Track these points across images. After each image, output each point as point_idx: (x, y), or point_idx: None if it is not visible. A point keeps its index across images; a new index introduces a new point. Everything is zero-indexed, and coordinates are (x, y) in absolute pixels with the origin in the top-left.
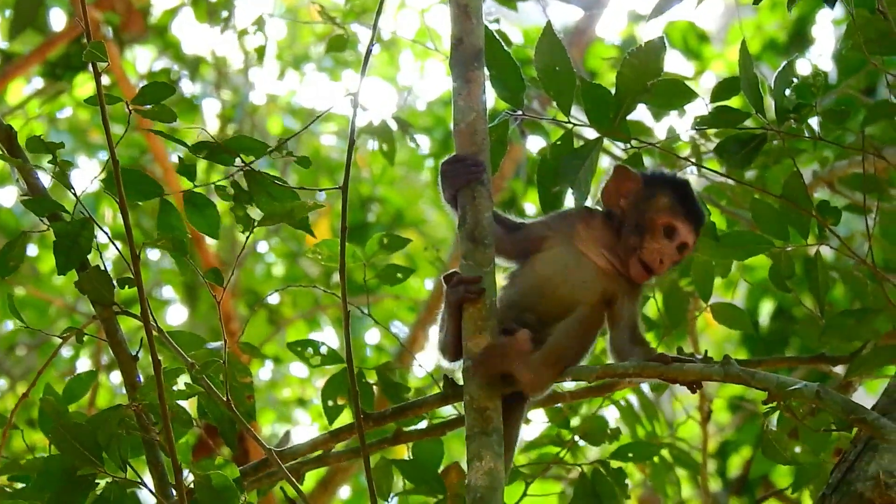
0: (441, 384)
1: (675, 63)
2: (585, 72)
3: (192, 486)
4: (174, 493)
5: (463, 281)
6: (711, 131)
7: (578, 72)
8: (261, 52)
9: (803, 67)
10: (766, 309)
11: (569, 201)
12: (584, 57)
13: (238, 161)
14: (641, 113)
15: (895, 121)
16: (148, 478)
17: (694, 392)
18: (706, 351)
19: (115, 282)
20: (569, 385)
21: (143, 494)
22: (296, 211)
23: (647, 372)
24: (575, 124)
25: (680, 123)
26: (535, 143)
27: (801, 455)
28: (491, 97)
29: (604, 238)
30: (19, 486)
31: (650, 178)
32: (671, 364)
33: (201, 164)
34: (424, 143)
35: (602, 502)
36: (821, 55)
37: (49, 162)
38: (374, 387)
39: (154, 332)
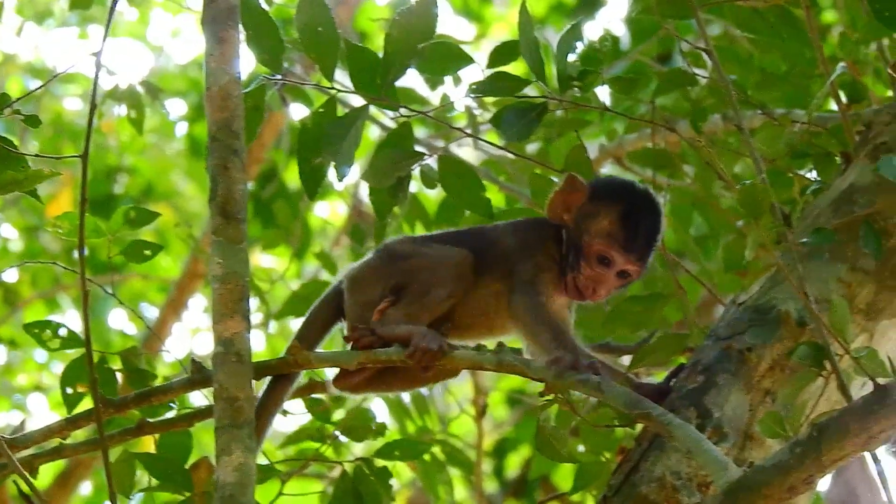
0: (189, 370)
1: (452, 25)
2: (354, 34)
3: None
4: None
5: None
6: (490, 101)
7: (345, 33)
8: None
9: (592, 32)
10: None
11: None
12: (354, 17)
13: None
14: (414, 80)
15: (689, 91)
16: None
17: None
18: None
19: None
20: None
21: None
22: (29, 179)
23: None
24: (339, 90)
25: (456, 91)
26: (298, 112)
27: (582, 454)
28: (251, 60)
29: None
30: None
31: (598, 190)
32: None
33: None
34: (177, 108)
35: (364, 503)
36: (611, 19)
37: None
38: (118, 373)
39: None
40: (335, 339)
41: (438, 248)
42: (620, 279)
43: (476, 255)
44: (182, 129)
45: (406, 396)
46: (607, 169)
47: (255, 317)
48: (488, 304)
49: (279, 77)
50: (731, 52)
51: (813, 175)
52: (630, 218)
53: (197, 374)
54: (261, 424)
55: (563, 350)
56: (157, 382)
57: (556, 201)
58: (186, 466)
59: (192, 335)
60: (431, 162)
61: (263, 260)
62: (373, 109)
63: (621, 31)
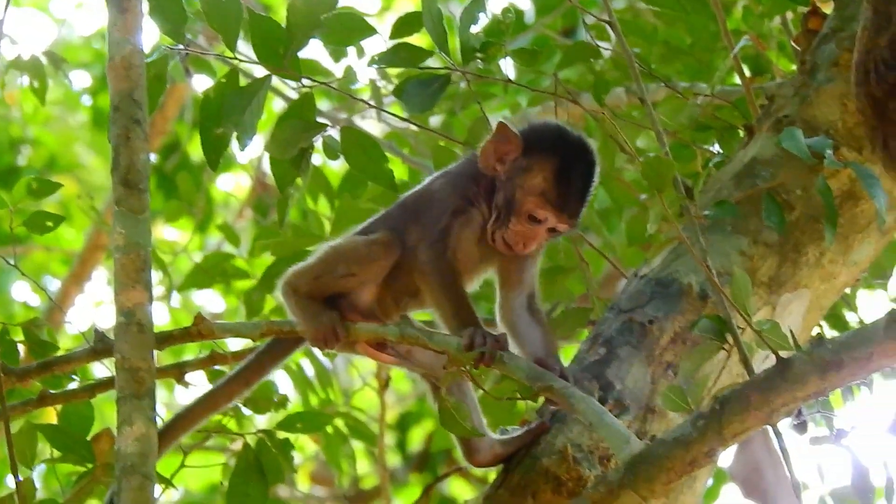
0: (92, 341)
1: None
2: (259, 5)
3: None
4: None
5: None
6: (394, 72)
7: (249, 3)
8: None
9: (497, 4)
10: None
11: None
12: None
13: None
14: (318, 51)
15: (592, 64)
16: None
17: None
18: None
19: None
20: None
21: None
22: None
23: None
24: (242, 61)
25: (360, 63)
26: (201, 83)
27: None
28: (154, 31)
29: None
30: None
31: (532, 142)
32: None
33: None
34: (81, 80)
35: (266, 476)
36: None
37: None
38: (21, 345)
39: None
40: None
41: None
42: (550, 233)
43: (410, 220)
44: (86, 101)
45: (309, 369)
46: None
47: (158, 290)
48: None
49: (182, 47)
50: (635, 25)
51: (716, 148)
52: (564, 175)
53: (99, 343)
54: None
55: (464, 324)
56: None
57: (487, 151)
58: (88, 438)
59: (95, 307)
60: (334, 133)
61: (166, 232)
62: (276, 81)
63: (526, 4)
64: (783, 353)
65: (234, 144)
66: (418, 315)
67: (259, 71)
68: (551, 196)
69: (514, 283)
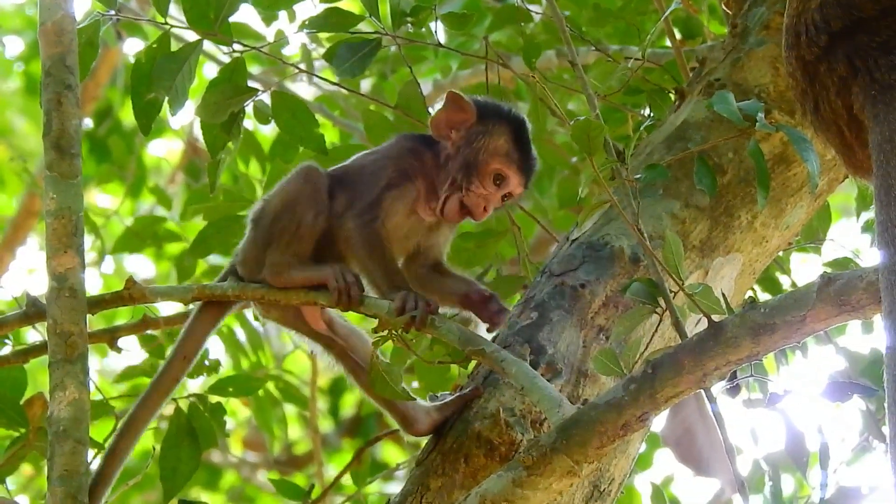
0: (25, 306)
1: None
2: None
3: None
4: None
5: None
6: (325, 37)
7: None
8: None
9: None
10: None
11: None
12: None
13: None
14: (249, 15)
15: (523, 27)
16: None
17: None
18: None
19: None
20: (166, 309)
21: None
22: None
23: (248, 293)
24: (173, 26)
25: (291, 28)
26: (134, 47)
27: (418, 392)
28: None
29: (430, 179)
30: None
31: (485, 111)
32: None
33: None
34: (14, 46)
35: (198, 440)
36: None
37: None
38: None
39: None
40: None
41: (281, 186)
42: (504, 199)
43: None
44: (18, 66)
45: (241, 333)
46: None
47: (90, 255)
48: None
49: (113, 13)
50: None
51: (647, 111)
52: (521, 138)
53: (31, 308)
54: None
55: (395, 286)
56: None
57: (440, 120)
58: (21, 402)
59: (28, 274)
60: (265, 98)
61: (99, 197)
62: (208, 46)
63: None
64: (715, 317)
65: (166, 109)
66: None
67: (191, 36)
68: (514, 157)
69: (425, 254)
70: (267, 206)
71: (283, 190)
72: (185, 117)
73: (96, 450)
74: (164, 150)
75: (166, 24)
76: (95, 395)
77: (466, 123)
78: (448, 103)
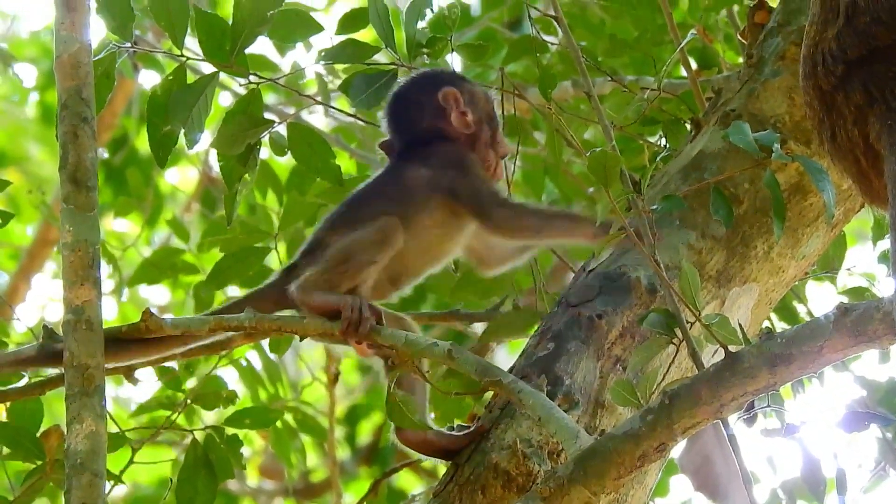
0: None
1: None
2: (206, 1)
3: None
4: None
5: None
6: (341, 68)
7: (197, 1)
8: None
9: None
10: None
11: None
12: None
13: None
14: (265, 46)
15: (539, 58)
16: None
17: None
18: None
19: None
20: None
21: None
22: None
23: (265, 325)
24: (189, 58)
25: (307, 58)
26: (151, 79)
27: (435, 422)
28: (102, 28)
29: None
30: None
31: (471, 93)
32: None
33: None
34: (29, 75)
35: (215, 471)
36: None
37: None
38: None
39: None
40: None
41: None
42: None
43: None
44: (34, 95)
45: (257, 363)
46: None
47: (108, 284)
48: (433, 238)
49: (129, 45)
50: (581, 18)
51: (663, 142)
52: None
53: (48, 340)
54: None
55: (592, 221)
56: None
57: (459, 119)
58: (37, 434)
59: (45, 303)
60: (281, 129)
61: (116, 225)
62: (224, 77)
63: None
64: (732, 348)
65: (182, 139)
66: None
67: (206, 67)
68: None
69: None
70: (340, 242)
71: (368, 233)
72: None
73: (113, 481)
74: (178, 178)
75: (182, 56)
76: (111, 427)
77: (479, 108)
78: (454, 102)
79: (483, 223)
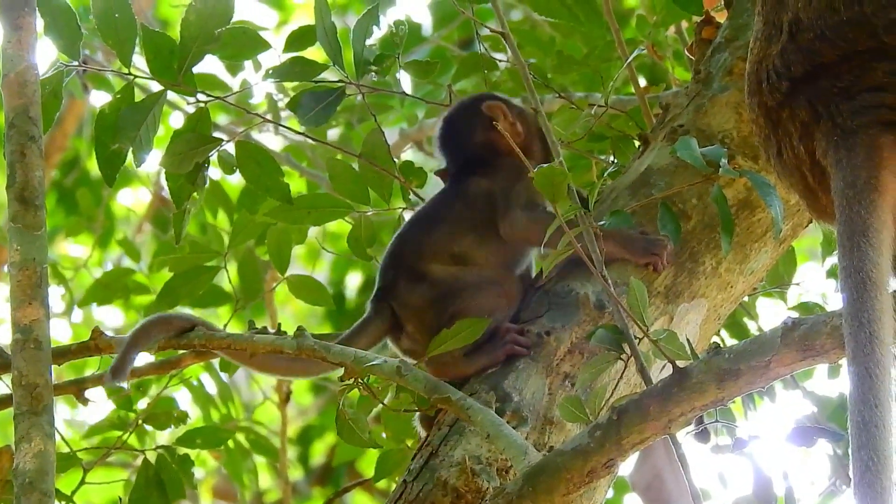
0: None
1: (254, 11)
2: (156, 21)
3: None
4: None
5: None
6: (291, 86)
7: (146, 20)
8: None
9: (396, 17)
10: (354, 281)
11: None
12: (156, 4)
13: None
14: (215, 66)
15: (487, 75)
16: None
17: None
18: (279, 324)
19: None
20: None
21: None
22: None
23: (215, 343)
24: (136, 76)
25: (257, 78)
26: (100, 99)
27: (385, 441)
28: (52, 47)
29: None
30: None
31: (515, 107)
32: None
33: None
34: None
35: (166, 492)
36: (415, 5)
37: None
38: None
39: None
40: None
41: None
42: None
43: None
44: None
45: (210, 385)
46: (408, 154)
47: (60, 305)
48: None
49: (77, 64)
50: (532, 35)
51: (611, 158)
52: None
53: None
54: None
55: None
56: None
57: (512, 130)
58: None
59: None
60: (229, 147)
61: (69, 248)
62: (176, 97)
63: (424, 17)
64: (680, 363)
65: (132, 159)
66: None
67: (155, 86)
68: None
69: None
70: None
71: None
72: (151, 167)
73: (63, 501)
74: (131, 200)
75: (130, 74)
76: (63, 448)
77: (524, 122)
78: (502, 117)
79: (499, 221)
